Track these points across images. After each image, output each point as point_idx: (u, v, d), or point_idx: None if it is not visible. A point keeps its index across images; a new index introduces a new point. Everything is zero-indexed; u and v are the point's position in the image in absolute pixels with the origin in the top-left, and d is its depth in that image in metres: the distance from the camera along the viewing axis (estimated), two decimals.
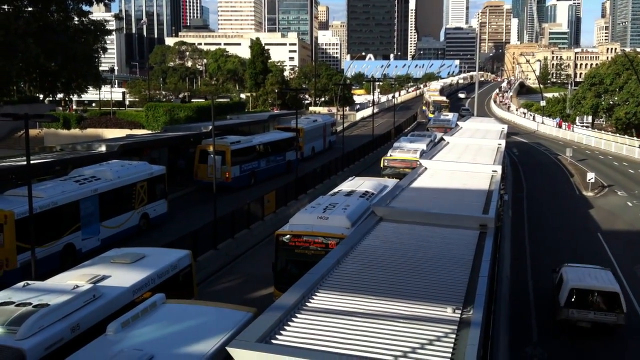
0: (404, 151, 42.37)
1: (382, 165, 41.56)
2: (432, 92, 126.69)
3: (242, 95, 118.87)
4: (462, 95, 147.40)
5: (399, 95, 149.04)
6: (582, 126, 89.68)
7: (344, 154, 51.19)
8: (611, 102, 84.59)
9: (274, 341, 9.24)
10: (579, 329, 21.90)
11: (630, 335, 21.94)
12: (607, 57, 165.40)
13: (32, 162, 22.04)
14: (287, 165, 48.31)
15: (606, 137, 78.54)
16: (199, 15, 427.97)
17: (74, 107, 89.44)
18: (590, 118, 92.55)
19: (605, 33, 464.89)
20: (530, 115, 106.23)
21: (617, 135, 79.77)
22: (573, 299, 21.75)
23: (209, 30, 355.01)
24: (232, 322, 12.53)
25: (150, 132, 57.86)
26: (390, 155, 42.11)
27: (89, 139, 53.25)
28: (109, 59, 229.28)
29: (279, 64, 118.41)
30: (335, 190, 25.25)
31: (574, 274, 22.75)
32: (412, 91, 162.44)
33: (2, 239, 22.99)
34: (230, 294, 23.25)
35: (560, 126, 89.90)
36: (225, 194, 39.32)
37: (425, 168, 26.93)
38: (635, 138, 75.89)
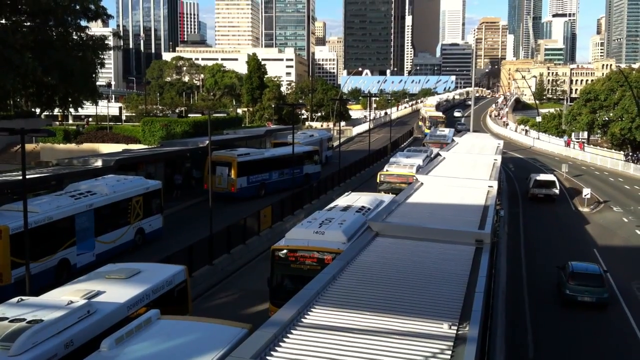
0: (400, 166, 42.29)
1: (378, 181, 41.51)
2: (429, 107, 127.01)
3: (239, 111, 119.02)
4: (458, 114, 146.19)
5: (397, 109, 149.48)
6: (578, 142, 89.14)
7: (341, 169, 51.19)
8: (606, 118, 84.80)
9: (269, 358, 9.19)
10: (539, 198, 48.75)
11: (559, 201, 49.03)
12: (603, 73, 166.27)
13: (27, 176, 21.95)
14: (304, 178, 48.78)
15: (602, 153, 78.89)
16: (196, 30, 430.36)
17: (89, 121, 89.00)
18: (585, 134, 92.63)
19: (601, 49, 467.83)
20: (523, 131, 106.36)
21: (613, 151, 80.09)
22: (535, 184, 49.46)
23: (206, 45, 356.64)
24: (227, 339, 12.44)
25: (146, 147, 57.81)
26: (387, 171, 42.05)
27: (85, 153, 53.10)
28: (106, 73, 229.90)
29: (275, 79, 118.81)
30: (332, 205, 25.23)
31: (535, 175, 51.89)
32: (408, 107, 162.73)
33: None
34: (225, 310, 23.14)
35: (568, 145, 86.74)
36: (231, 205, 40.41)
37: (422, 183, 26.96)
38: (621, 152, 76.52)
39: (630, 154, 75.66)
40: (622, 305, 26.18)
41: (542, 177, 51.17)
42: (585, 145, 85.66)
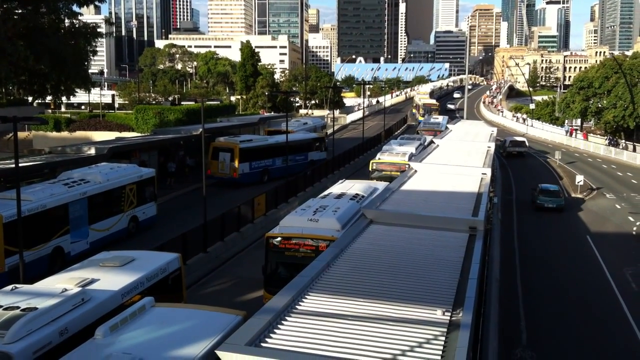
0: (392, 154, 41.97)
1: (370, 169, 41.28)
2: (422, 95, 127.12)
3: (233, 98, 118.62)
4: (457, 95, 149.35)
5: (392, 97, 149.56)
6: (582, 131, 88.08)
7: (334, 156, 51.22)
8: (600, 106, 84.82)
9: (263, 344, 9.22)
10: (513, 155, 66.24)
11: (528, 156, 67.58)
12: (596, 61, 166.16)
13: (20, 164, 21.89)
14: (309, 164, 49.39)
15: (595, 140, 79.09)
16: (189, 17, 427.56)
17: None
18: (579, 121, 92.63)
19: (594, 36, 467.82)
20: (519, 118, 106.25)
21: (606, 138, 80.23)
22: (510, 144, 68.00)
23: (199, 32, 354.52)
24: (221, 326, 12.48)
25: (139, 134, 57.67)
26: (379, 159, 41.76)
27: (78, 141, 52.89)
28: (99, 61, 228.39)
29: (269, 66, 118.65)
30: (326, 192, 25.23)
31: (509, 137, 71.73)
32: (402, 95, 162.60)
33: None
34: (219, 297, 23.19)
35: (571, 134, 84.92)
36: (232, 191, 41.28)
37: (415, 171, 27.00)
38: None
39: (610, 138, 77.42)
40: (615, 291, 26.35)
41: (515, 138, 71.23)
42: (610, 138, 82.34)
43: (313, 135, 54.83)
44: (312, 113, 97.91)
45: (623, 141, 76.82)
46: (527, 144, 69.19)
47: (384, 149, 44.17)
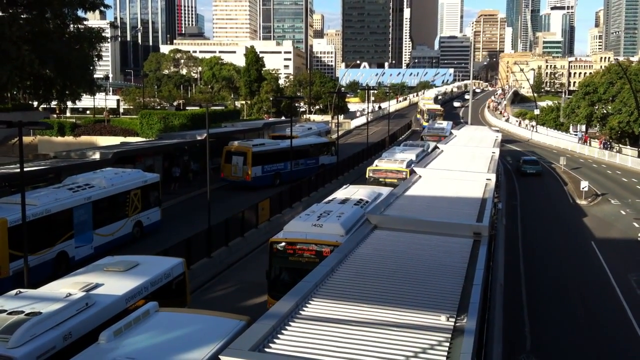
0: (390, 161, 40.21)
1: (367, 176, 39.53)
2: (427, 100, 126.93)
3: (237, 103, 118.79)
4: (468, 97, 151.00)
5: (397, 102, 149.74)
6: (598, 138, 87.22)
7: (339, 161, 51.21)
8: (605, 111, 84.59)
9: (267, 350, 9.21)
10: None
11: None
12: (601, 66, 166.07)
13: (25, 169, 21.93)
14: (320, 168, 49.92)
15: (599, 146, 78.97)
16: (194, 23, 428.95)
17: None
18: (584, 127, 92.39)
19: (599, 42, 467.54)
20: (527, 125, 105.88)
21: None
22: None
23: (204, 38, 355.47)
24: (225, 331, 12.47)
25: (144, 139, 57.75)
26: (376, 166, 40.07)
27: (82, 146, 53.01)
28: (104, 66, 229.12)
29: (273, 72, 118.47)
30: (330, 198, 25.18)
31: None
32: (402, 101, 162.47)
33: None
34: (223, 302, 23.18)
35: (585, 142, 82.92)
36: (243, 194, 41.93)
37: (420, 176, 26.96)
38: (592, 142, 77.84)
39: (604, 141, 78.18)
40: (620, 297, 26.25)
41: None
42: (604, 141, 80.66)
43: (324, 140, 55.66)
44: (312, 119, 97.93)
45: (617, 145, 77.07)
46: (500, 134, 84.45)
47: (382, 156, 42.78)
